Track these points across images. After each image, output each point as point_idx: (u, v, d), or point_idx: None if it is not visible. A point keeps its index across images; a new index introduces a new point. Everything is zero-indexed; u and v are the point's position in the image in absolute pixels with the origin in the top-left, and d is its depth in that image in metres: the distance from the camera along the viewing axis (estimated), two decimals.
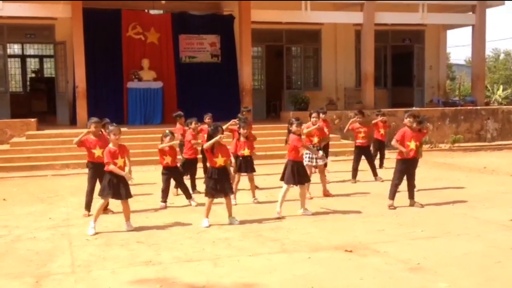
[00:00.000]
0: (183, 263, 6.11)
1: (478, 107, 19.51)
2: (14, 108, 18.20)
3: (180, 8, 18.86)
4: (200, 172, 10.57)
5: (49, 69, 24.12)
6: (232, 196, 8.96)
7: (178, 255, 6.40)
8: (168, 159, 9.07)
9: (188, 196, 9.23)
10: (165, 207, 9.02)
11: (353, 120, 11.54)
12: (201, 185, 9.62)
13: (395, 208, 8.60)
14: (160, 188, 9.23)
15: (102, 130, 8.73)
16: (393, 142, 8.74)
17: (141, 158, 13.38)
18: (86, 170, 8.92)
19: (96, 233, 7.36)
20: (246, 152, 9.23)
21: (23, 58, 23.65)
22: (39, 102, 21.53)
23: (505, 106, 20.49)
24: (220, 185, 7.67)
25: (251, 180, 9.49)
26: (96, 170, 8.26)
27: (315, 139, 9.71)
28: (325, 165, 10.45)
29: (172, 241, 7.01)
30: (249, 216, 8.27)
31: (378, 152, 12.71)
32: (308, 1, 18.27)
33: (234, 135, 9.70)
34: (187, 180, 9.84)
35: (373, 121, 12.24)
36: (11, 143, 14.86)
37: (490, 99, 23.93)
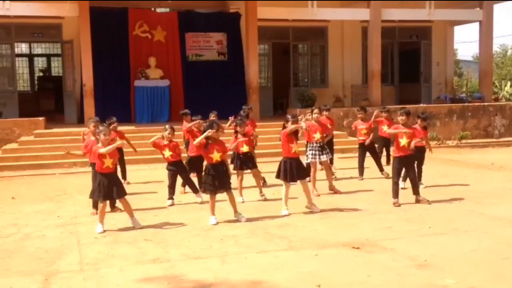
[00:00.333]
0: (191, 260, 6.14)
1: (486, 103, 19.42)
2: (22, 107, 18.28)
3: (186, 6, 18.88)
4: None
5: (56, 68, 24.23)
6: (238, 194, 9.02)
7: (186, 252, 6.43)
8: (167, 154, 9.08)
9: (195, 191, 9.26)
10: (173, 204, 9.06)
11: (349, 120, 11.50)
12: None
13: (399, 205, 8.59)
14: (167, 186, 9.26)
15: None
16: (388, 131, 8.87)
17: (149, 156, 13.42)
18: None
19: (104, 231, 7.41)
20: (245, 149, 9.26)
21: (30, 57, 23.76)
22: (47, 101, 21.62)
23: None
24: (218, 181, 7.67)
25: (255, 176, 9.52)
26: None
27: (318, 135, 9.67)
28: (331, 161, 10.44)
29: (180, 238, 7.04)
30: (256, 213, 8.29)
31: (384, 149, 12.66)
32: None
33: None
34: (193, 178, 9.86)
35: (374, 118, 12.10)
36: (19, 142, 14.94)
37: (498, 95, 23.82)
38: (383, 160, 11.81)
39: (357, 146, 11.76)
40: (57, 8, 16.61)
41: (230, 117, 10.41)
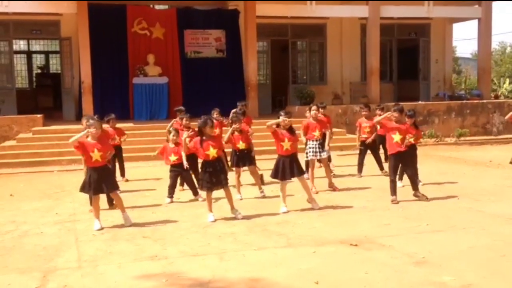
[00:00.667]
0: (189, 257, 6.14)
1: (484, 101, 19.44)
2: (20, 104, 18.27)
3: (185, 3, 18.86)
4: None
5: (55, 65, 24.21)
6: (236, 191, 9.01)
7: (184, 249, 6.43)
8: (174, 158, 9.06)
9: (195, 193, 9.25)
10: (171, 202, 9.06)
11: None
12: None
13: (398, 202, 8.59)
14: (165, 183, 9.27)
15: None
16: (375, 119, 8.97)
17: (147, 154, 13.40)
18: None
19: (102, 228, 7.41)
20: (241, 145, 9.26)
21: (29, 54, 23.74)
22: (45, 98, 21.62)
23: (511, 100, 20.39)
24: (215, 177, 7.66)
25: (253, 173, 9.52)
26: None
27: (317, 133, 9.67)
28: (329, 159, 10.44)
29: (178, 235, 7.04)
30: (254, 210, 8.29)
31: (381, 146, 12.66)
32: None
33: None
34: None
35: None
36: (17, 139, 14.94)
37: (497, 92, 23.83)
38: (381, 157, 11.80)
39: (355, 143, 11.76)
40: (55, 5, 16.61)
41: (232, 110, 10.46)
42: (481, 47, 20.57)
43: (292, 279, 5.38)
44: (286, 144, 8.18)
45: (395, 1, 19.10)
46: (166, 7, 19.69)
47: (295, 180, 8.31)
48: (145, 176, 11.69)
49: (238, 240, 6.79)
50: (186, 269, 5.74)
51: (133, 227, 7.50)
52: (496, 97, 20.81)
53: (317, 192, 9.38)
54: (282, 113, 8.32)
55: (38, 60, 24.69)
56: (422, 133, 11.33)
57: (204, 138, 7.66)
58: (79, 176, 11.66)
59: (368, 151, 11.26)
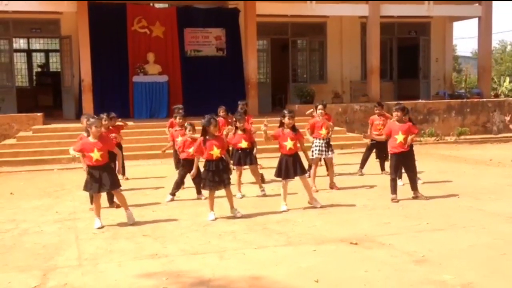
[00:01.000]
0: (189, 256, 6.14)
1: (484, 99, 19.44)
2: (21, 102, 18.27)
3: (185, 2, 18.86)
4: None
5: (55, 63, 24.18)
6: (237, 190, 9.01)
7: (184, 248, 6.44)
8: (191, 151, 8.98)
9: (199, 191, 9.22)
10: (172, 199, 9.04)
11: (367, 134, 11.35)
12: None
13: (398, 201, 8.59)
14: (166, 181, 9.25)
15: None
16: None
17: (147, 152, 13.43)
18: None
19: (103, 226, 7.41)
20: (244, 144, 9.26)
21: (29, 52, 23.72)
22: (45, 96, 21.60)
23: (511, 98, 20.39)
24: (218, 176, 7.66)
25: (253, 172, 9.51)
26: None
27: (324, 131, 9.68)
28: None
29: (178, 234, 7.04)
30: (255, 209, 8.29)
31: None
32: None
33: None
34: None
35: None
36: (17, 138, 14.94)
37: (497, 91, 23.82)
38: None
39: (355, 142, 11.74)
40: (55, 4, 16.60)
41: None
42: (481, 46, 20.57)
43: (292, 278, 5.38)
44: (290, 144, 8.19)
45: (395, 0, 19.10)
46: (166, 5, 19.68)
47: (296, 178, 8.31)
48: (145, 174, 11.69)
49: (238, 238, 6.79)
50: (186, 267, 5.74)
51: (134, 225, 7.50)
52: (496, 95, 20.80)
53: (317, 191, 9.37)
54: (286, 112, 8.29)
55: (38, 58, 24.65)
56: (422, 131, 11.28)
57: (207, 137, 7.66)
58: (79, 174, 11.67)
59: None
